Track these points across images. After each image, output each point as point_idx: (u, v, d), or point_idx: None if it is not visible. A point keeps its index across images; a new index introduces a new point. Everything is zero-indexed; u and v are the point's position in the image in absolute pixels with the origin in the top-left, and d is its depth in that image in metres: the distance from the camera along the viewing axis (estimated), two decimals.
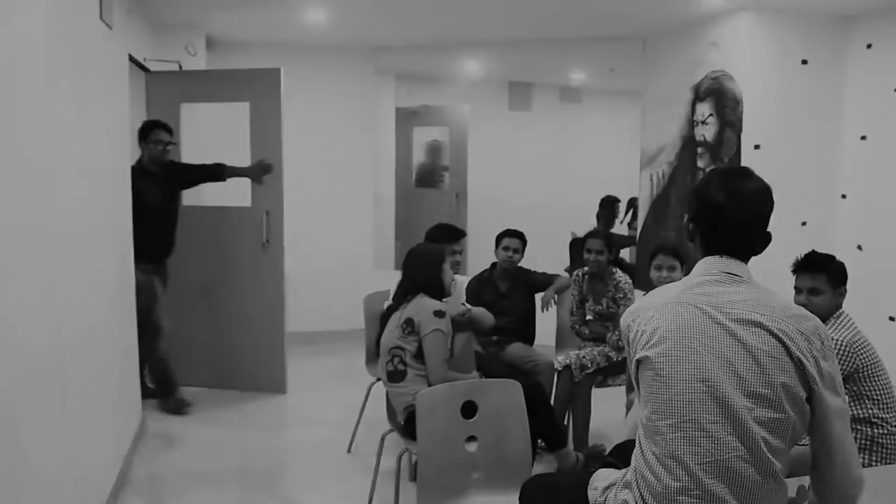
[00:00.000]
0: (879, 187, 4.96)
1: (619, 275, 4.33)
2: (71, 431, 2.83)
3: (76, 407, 2.91)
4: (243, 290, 5.16)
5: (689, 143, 5.51)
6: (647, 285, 4.19)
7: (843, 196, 5.10)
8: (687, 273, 1.97)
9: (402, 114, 7.52)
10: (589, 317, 4.40)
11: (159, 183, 4.76)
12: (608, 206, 7.10)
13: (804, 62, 4.99)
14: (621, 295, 4.28)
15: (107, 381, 3.57)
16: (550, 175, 8.04)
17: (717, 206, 1.81)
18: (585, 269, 4.40)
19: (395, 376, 3.26)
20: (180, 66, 5.43)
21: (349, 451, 4.27)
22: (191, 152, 5.11)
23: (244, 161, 5.04)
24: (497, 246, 4.57)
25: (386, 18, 5.69)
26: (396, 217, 7.45)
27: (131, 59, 4.63)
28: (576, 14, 5.45)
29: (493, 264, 4.64)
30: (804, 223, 5.05)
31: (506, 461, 2.67)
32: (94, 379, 3.28)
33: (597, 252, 4.30)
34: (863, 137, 4.96)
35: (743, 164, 4.97)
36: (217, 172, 4.91)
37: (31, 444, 2.37)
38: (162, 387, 4.86)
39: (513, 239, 4.56)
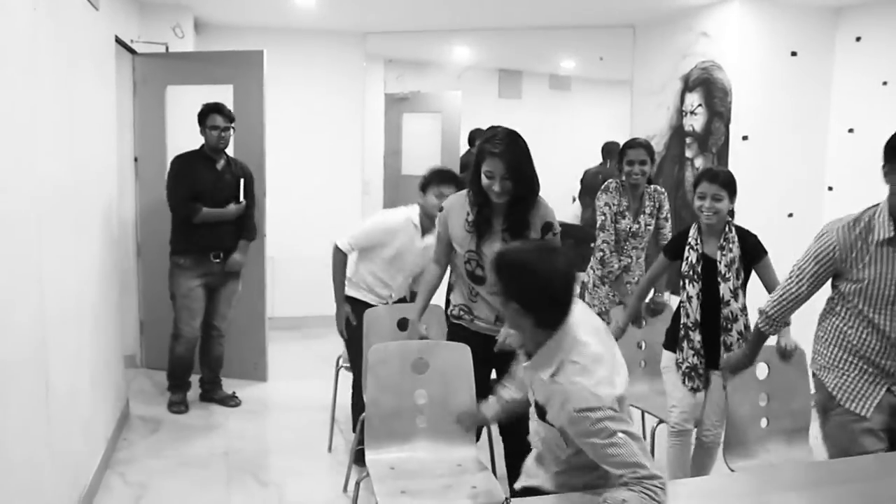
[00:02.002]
0: (866, 180, 4.96)
1: (652, 188, 4.04)
2: (54, 413, 2.82)
3: (60, 389, 2.90)
4: None
5: (678, 133, 5.52)
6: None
7: (830, 188, 5.13)
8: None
9: (392, 100, 7.49)
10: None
11: (216, 171, 4.56)
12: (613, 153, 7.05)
13: (793, 54, 5.00)
14: (657, 205, 4.04)
15: (91, 364, 3.55)
16: (538, 163, 8.02)
17: (558, 289, 1.96)
18: (622, 179, 3.98)
19: (476, 279, 3.06)
20: (167, 49, 5.38)
21: (331, 419, 4.29)
22: (177, 136, 5.06)
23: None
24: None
25: (375, 3, 5.65)
26: (384, 203, 7.41)
27: (118, 40, 4.58)
28: (566, 2, 5.43)
29: None
30: (790, 215, 5.08)
31: (451, 413, 2.87)
32: (78, 361, 3.26)
33: (640, 163, 3.87)
34: (850, 130, 4.98)
35: (731, 155, 4.98)
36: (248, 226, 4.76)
37: (14, 425, 2.36)
38: (168, 382, 4.75)
39: None
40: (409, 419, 2.92)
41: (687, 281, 3.22)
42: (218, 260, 4.60)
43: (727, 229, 3.19)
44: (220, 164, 4.60)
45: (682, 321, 3.23)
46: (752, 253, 3.20)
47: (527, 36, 6.71)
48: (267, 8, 5.79)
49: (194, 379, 4.88)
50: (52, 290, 2.83)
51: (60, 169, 3.03)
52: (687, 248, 3.23)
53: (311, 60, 6.65)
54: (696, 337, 3.19)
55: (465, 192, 3.04)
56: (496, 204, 2.91)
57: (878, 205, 2.55)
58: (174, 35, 5.49)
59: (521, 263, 1.99)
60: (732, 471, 2.88)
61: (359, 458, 3.83)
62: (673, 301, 3.68)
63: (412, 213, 3.85)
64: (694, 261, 3.19)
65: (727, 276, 3.16)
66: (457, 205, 3.04)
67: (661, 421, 3.45)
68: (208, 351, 4.83)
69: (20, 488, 2.42)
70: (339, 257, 3.91)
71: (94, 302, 3.65)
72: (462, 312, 3.10)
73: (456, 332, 3.13)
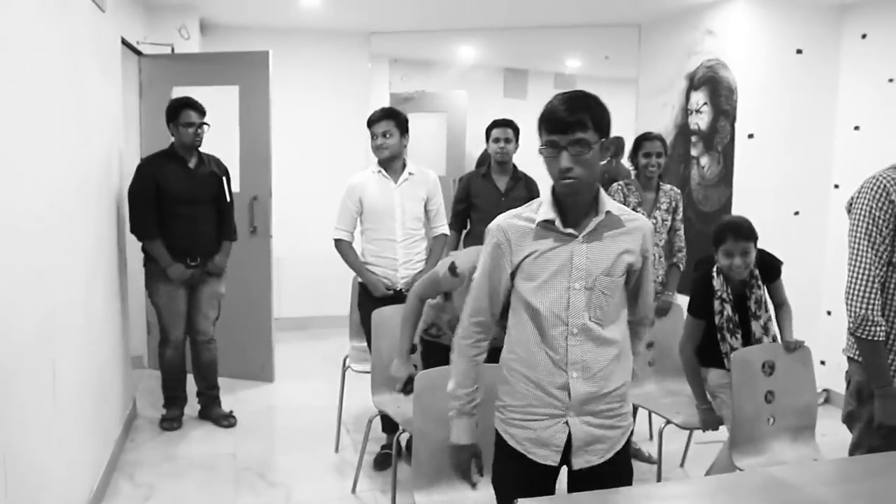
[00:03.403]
0: None
1: (668, 187, 4.01)
2: (62, 415, 2.83)
3: (67, 390, 2.91)
4: (230, 277, 4.75)
5: (683, 132, 5.51)
6: None
7: (836, 186, 5.11)
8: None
9: (397, 99, 7.48)
10: None
11: (189, 170, 4.31)
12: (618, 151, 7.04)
13: (799, 52, 4.98)
14: (674, 205, 3.98)
15: (97, 365, 3.56)
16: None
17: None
18: (636, 172, 3.95)
19: None
20: (173, 50, 5.40)
21: (338, 423, 4.28)
22: None
23: (233, 146, 5.00)
24: (487, 139, 4.25)
25: (380, 3, 5.65)
26: None
27: (124, 42, 4.60)
28: (571, 0, 5.43)
29: (488, 164, 4.36)
30: (797, 213, 5.06)
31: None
32: (84, 361, 3.27)
33: (656, 155, 3.83)
34: (856, 128, 4.96)
35: (737, 154, 4.97)
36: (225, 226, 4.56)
37: (22, 427, 2.37)
38: (164, 395, 4.53)
39: (504, 129, 4.17)
40: None
41: (728, 335, 3.14)
42: (195, 264, 4.34)
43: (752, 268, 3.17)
44: (192, 162, 4.36)
45: (728, 368, 3.15)
46: (767, 274, 3.20)
47: (532, 35, 6.70)
48: (272, 8, 5.80)
49: (191, 393, 4.63)
50: (57, 290, 2.84)
51: (67, 169, 3.04)
52: (717, 302, 3.12)
53: (316, 60, 6.66)
54: None
55: None
56: None
57: None
58: (180, 36, 5.51)
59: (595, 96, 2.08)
60: (739, 469, 2.87)
61: (380, 462, 3.85)
62: (679, 300, 3.66)
63: (371, 167, 3.99)
64: (730, 313, 3.13)
65: (758, 314, 3.16)
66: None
67: (668, 421, 3.43)
68: (197, 357, 4.55)
69: (28, 490, 2.43)
70: (342, 246, 4.01)
71: (99, 302, 3.66)
72: (435, 329, 3.19)
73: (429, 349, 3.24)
